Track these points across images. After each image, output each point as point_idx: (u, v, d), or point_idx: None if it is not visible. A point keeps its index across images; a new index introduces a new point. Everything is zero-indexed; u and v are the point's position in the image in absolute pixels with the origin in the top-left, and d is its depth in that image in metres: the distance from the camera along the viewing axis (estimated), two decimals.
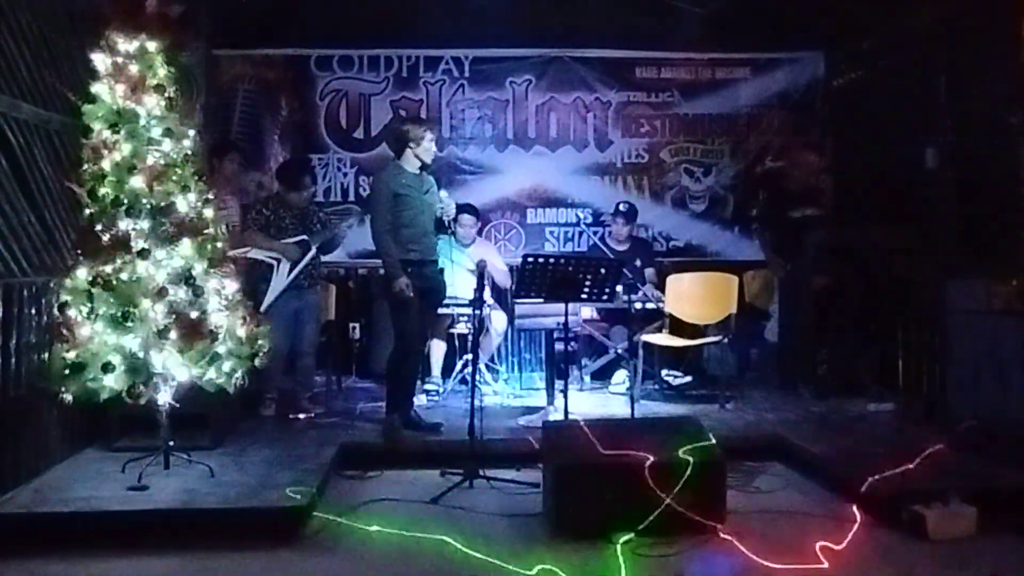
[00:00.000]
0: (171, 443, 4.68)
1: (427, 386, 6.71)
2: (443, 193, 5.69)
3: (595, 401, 6.68)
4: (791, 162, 7.39)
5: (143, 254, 4.51)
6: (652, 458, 4.26)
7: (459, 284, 6.43)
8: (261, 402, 6.12)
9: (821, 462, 5.02)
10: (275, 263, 6.01)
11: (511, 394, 6.98)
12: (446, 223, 5.68)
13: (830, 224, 6.67)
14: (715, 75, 8.08)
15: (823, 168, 6.84)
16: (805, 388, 6.71)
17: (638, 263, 7.22)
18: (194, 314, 4.58)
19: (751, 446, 5.45)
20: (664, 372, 7.01)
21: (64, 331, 4.48)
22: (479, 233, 7.34)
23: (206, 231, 4.75)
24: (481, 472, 4.91)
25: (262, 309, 5.81)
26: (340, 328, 7.31)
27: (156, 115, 4.64)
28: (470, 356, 6.11)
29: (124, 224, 4.53)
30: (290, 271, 6.03)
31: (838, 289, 6.66)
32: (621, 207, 7.42)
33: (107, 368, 4.39)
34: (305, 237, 6.12)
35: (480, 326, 5.87)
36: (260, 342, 4.90)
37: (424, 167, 5.64)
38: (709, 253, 8.06)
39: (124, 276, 4.48)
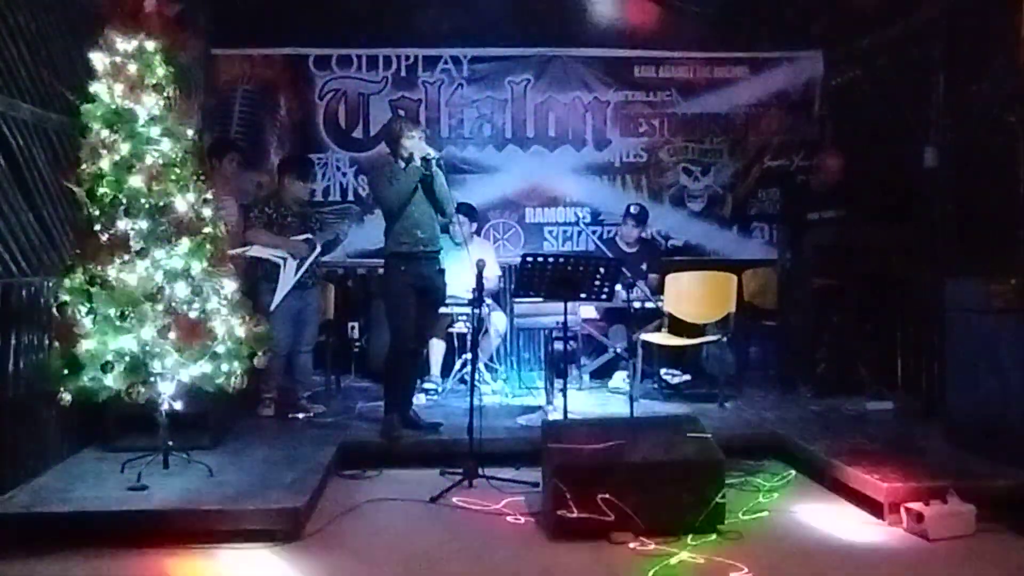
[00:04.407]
0: (170, 443, 4.67)
1: (426, 385, 6.71)
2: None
3: (594, 400, 6.68)
4: (814, 164, 7.38)
5: (142, 254, 4.51)
6: (651, 457, 4.26)
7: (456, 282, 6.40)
8: (260, 402, 6.11)
9: (820, 461, 5.02)
10: (281, 262, 6.01)
11: (510, 393, 6.98)
12: (430, 161, 5.50)
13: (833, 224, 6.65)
14: (713, 74, 8.07)
15: (843, 171, 6.81)
16: (804, 387, 6.70)
17: (644, 266, 7.20)
18: (193, 314, 4.58)
19: (750, 445, 5.45)
20: (663, 371, 7.00)
21: (63, 331, 4.47)
22: (477, 233, 7.34)
23: (205, 231, 4.74)
24: (480, 471, 4.92)
25: (271, 308, 5.82)
26: (339, 328, 7.32)
27: (155, 114, 4.64)
28: (469, 355, 6.11)
29: (123, 224, 4.53)
30: (297, 269, 6.03)
31: (837, 288, 6.66)
32: (632, 209, 7.38)
33: (106, 368, 4.38)
34: (310, 236, 6.13)
35: (479, 325, 5.86)
36: (260, 342, 4.90)
37: (410, 160, 5.52)
38: (708, 252, 8.07)
39: (123, 276, 4.48)
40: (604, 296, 5.51)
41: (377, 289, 7.17)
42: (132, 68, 4.63)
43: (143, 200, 4.54)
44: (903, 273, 6.48)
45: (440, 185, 5.56)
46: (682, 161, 8.11)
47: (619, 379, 7.03)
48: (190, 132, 4.82)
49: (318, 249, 6.15)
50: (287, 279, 6.00)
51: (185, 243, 4.61)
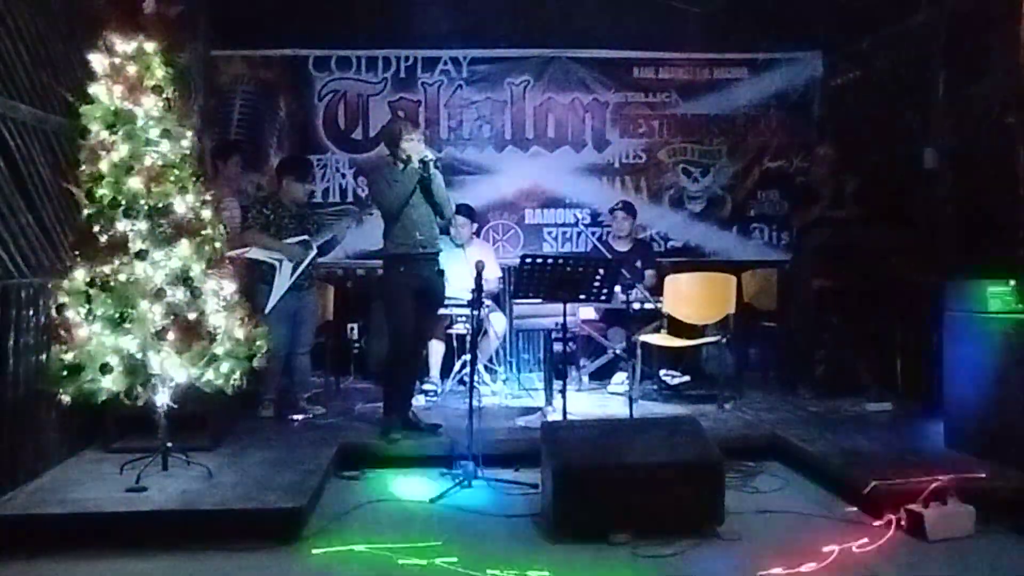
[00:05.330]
0: (169, 444, 4.67)
1: (425, 387, 6.70)
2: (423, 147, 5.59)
3: (594, 401, 6.68)
4: (809, 161, 7.39)
5: (141, 255, 4.51)
6: (650, 458, 4.26)
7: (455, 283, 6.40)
8: (259, 403, 6.10)
9: (819, 462, 5.02)
10: (277, 264, 6.00)
11: (510, 394, 6.98)
12: (427, 163, 5.48)
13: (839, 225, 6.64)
14: (713, 75, 8.09)
15: (837, 161, 6.79)
16: (804, 388, 6.71)
17: (638, 264, 7.22)
18: (192, 315, 4.57)
19: (749, 446, 5.45)
20: (662, 372, 7.00)
21: (62, 332, 4.47)
22: (476, 234, 7.35)
23: (204, 232, 4.74)
24: (480, 472, 4.92)
25: (266, 310, 5.81)
26: (338, 329, 7.32)
27: (154, 116, 4.64)
28: (468, 357, 6.11)
29: (122, 225, 4.53)
30: (293, 271, 6.03)
31: (837, 290, 6.66)
32: (618, 205, 7.46)
33: (105, 369, 4.38)
34: (307, 237, 6.13)
35: (478, 327, 5.86)
36: (259, 343, 4.90)
37: (408, 162, 5.52)
38: (707, 253, 8.08)
39: (122, 277, 4.48)
40: (603, 297, 5.51)
41: (376, 290, 7.17)
42: (131, 70, 4.63)
43: (142, 201, 4.53)
44: (902, 274, 6.48)
45: (438, 187, 5.57)
46: (681, 162, 8.12)
47: (618, 380, 7.04)
48: (189, 133, 4.83)
49: (314, 251, 6.14)
50: (282, 281, 6.00)
51: (184, 244, 4.61)
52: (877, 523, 4.30)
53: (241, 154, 6.91)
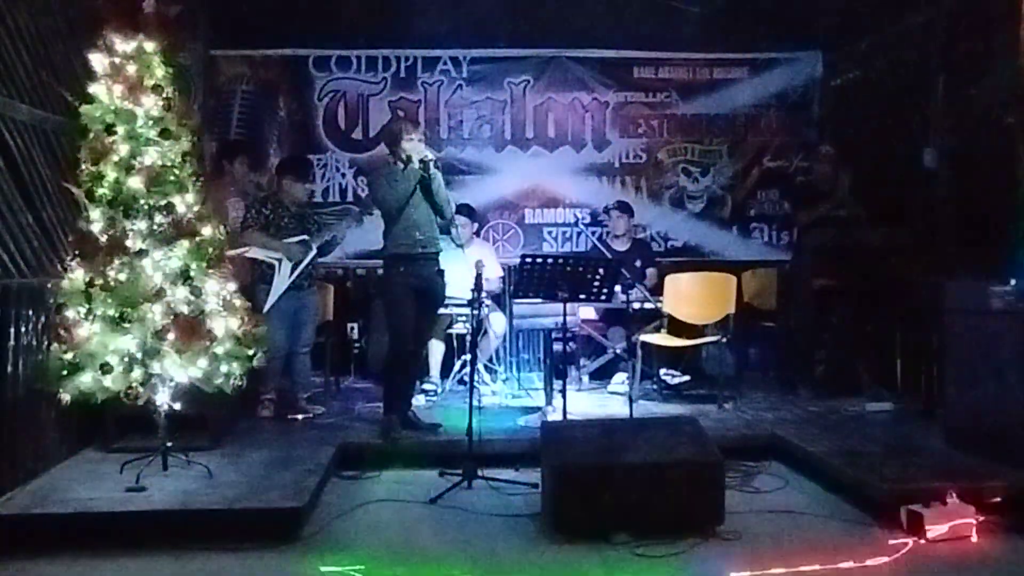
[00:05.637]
0: (169, 444, 4.66)
1: (425, 386, 6.70)
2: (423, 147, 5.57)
3: (594, 401, 6.68)
4: (809, 161, 7.39)
5: (141, 255, 4.51)
6: (650, 458, 4.26)
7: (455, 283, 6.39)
8: (259, 403, 6.09)
9: (819, 462, 5.02)
10: (276, 263, 6.00)
11: (510, 394, 6.98)
12: (428, 164, 5.47)
13: (841, 224, 6.63)
14: (713, 75, 8.09)
15: (839, 161, 6.79)
16: (803, 388, 6.70)
17: (638, 263, 7.22)
18: (192, 315, 4.58)
19: (749, 446, 5.45)
20: (662, 372, 7.00)
21: (62, 332, 4.48)
22: (476, 234, 7.35)
23: (204, 231, 4.75)
24: (480, 472, 4.91)
25: (264, 310, 5.81)
26: (338, 329, 7.32)
27: (154, 116, 4.65)
28: (468, 356, 6.11)
29: (122, 225, 4.53)
30: (292, 271, 6.02)
31: (837, 289, 6.66)
32: (612, 204, 7.47)
33: (105, 369, 4.39)
34: (306, 237, 6.13)
35: (478, 327, 5.86)
36: (259, 343, 4.89)
37: (409, 162, 5.51)
38: (707, 253, 8.08)
39: (122, 277, 4.49)
40: (603, 297, 5.51)
41: (376, 290, 7.18)
42: (131, 69, 4.64)
43: (142, 201, 4.55)
44: (902, 274, 6.48)
45: (439, 187, 5.56)
46: (681, 162, 8.12)
47: (618, 380, 7.04)
48: (189, 133, 4.83)
49: (313, 251, 6.14)
50: (281, 281, 5.99)
51: (184, 244, 4.62)
52: (877, 523, 4.30)
53: (247, 155, 6.91)
